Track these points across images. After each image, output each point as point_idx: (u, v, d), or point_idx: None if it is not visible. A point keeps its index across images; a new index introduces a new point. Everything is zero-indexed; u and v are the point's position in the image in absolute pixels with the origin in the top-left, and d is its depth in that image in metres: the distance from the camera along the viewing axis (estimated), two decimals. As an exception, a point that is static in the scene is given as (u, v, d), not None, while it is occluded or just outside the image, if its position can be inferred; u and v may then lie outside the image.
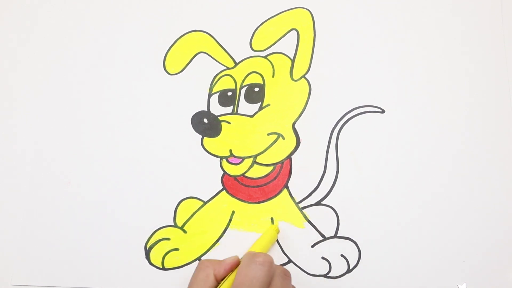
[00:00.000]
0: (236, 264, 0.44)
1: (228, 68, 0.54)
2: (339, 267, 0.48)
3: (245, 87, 0.53)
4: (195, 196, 0.51)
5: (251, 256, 0.42)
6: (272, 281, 0.41)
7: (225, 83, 0.54)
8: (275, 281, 0.41)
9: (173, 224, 0.50)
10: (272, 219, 0.50)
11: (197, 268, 0.44)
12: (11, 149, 0.54)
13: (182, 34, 0.56)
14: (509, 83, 0.52)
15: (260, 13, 0.56)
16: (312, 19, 0.55)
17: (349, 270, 0.48)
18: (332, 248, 0.48)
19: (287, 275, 0.43)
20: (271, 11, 0.56)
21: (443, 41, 0.53)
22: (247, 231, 0.50)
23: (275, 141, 0.52)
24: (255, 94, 0.53)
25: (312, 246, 0.49)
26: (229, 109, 0.53)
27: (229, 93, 0.53)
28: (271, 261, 0.41)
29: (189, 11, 0.57)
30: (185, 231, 0.50)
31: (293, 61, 0.54)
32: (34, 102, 0.55)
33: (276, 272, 0.42)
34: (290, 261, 0.48)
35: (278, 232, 0.49)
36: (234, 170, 0.51)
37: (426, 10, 0.54)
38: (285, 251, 0.49)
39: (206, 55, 0.55)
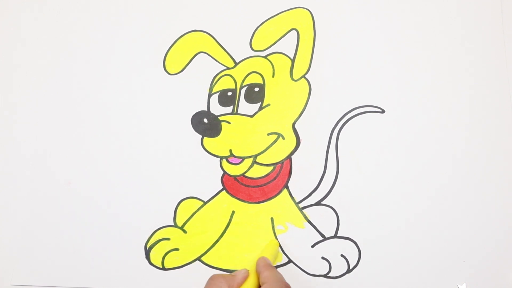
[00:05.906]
0: (246, 278, 0.42)
1: (228, 68, 0.54)
2: (339, 267, 0.48)
3: (245, 87, 0.53)
4: (195, 196, 0.51)
5: (276, 278, 0.41)
6: None
7: (225, 83, 0.54)
8: None
9: (173, 224, 0.50)
10: (272, 219, 0.50)
11: (209, 283, 0.41)
12: (11, 149, 0.54)
13: (182, 34, 0.56)
14: (509, 83, 0.51)
15: (260, 13, 0.56)
16: (312, 19, 0.55)
17: (349, 270, 0.48)
18: (332, 248, 0.48)
19: None
20: (271, 11, 0.56)
21: (443, 41, 0.53)
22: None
23: (275, 141, 0.52)
24: (255, 94, 0.53)
25: (312, 246, 0.49)
26: (229, 109, 0.53)
27: (229, 93, 0.53)
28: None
29: (189, 11, 0.57)
30: (185, 231, 0.50)
31: (293, 61, 0.54)
32: (35, 102, 0.55)
33: None
34: (290, 261, 0.48)
35: (278, 245, 0.48)
36: (234, 170, 0.51)
37: (426, 10, 0.54)
38: (285, 251, 0.49)
39: (206, 55, 0.55)
